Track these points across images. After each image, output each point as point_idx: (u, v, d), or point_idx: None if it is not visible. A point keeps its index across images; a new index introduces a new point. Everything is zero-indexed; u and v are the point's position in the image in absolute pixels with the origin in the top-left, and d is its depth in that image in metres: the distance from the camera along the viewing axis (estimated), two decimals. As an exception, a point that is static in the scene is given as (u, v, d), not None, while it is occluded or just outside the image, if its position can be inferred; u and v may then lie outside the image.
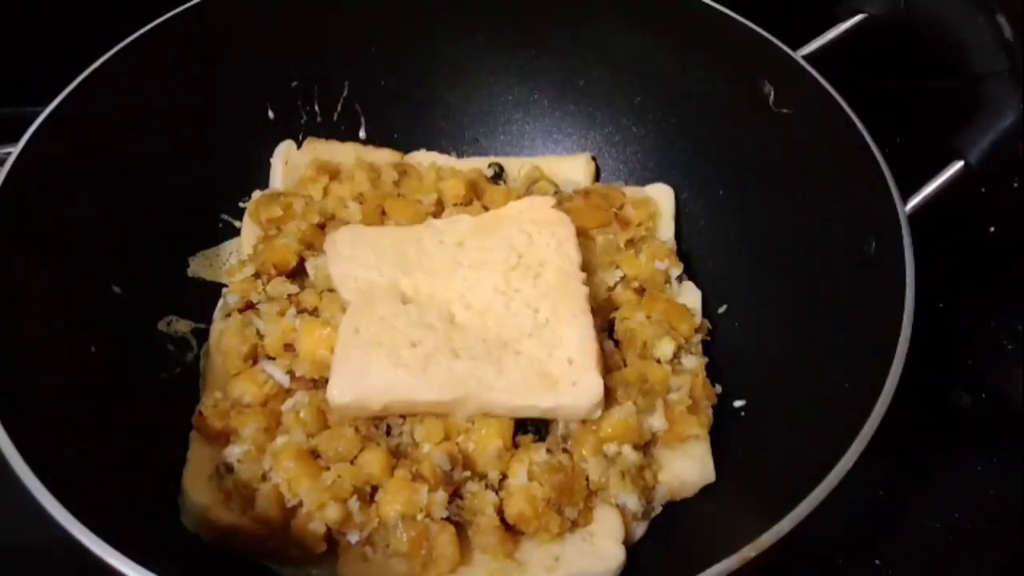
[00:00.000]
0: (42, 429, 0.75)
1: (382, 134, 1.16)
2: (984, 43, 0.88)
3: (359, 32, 1.12)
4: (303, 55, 1.11)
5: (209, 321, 0.99)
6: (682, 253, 1.05)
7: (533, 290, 0.90)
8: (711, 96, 1.06)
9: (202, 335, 0.99)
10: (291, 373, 0.89)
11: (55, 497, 0.68)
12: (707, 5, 1.02)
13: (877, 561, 0.96)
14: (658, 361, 0.92)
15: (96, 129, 0.95)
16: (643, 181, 1.12)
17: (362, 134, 1.16)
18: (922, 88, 1.34)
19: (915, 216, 0.85)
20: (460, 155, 1.17)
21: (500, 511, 0.81)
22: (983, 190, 1.22)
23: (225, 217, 1.09)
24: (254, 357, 0.92)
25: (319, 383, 0.87)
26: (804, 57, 0.97)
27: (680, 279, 1.02)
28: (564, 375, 0.84)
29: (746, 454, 0.89)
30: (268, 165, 1.10)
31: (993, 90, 0.87)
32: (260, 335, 0.92)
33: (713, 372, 0.94)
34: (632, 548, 0.84)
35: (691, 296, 1.01)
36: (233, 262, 1.04)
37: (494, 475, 0.83)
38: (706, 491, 0.89)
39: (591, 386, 0.84)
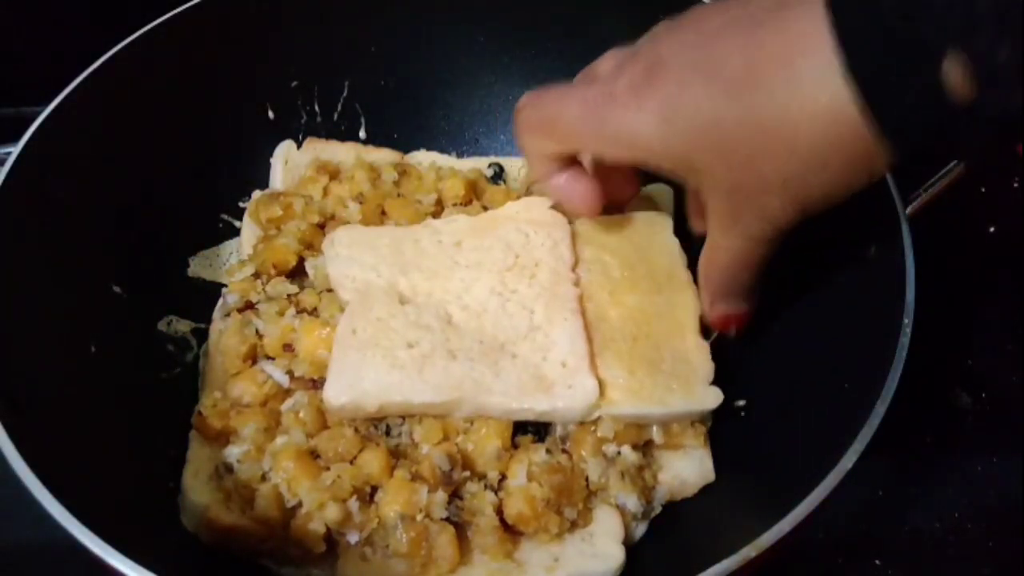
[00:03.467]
0: (42, 429, 0.75)
1: (382, 134, 1.16)
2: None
3: (359, 32, 1.12)
4: (303, 55, 1.11)
5: (209, 321, 0.98)
6: (682, 253, 1.04)
7: (528, 291, 0.90)
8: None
9: (202, 335, 0.99)
10: (290, 373, 0.89)
11: (55, 497, 0.67)
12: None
13: (877, 561, 0.96)
14: (658, 361, 0.92)
15: (96, 129, 0.95)
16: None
17: (362, 134, 1.16)
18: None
19: (915, 216, 0.85)
20: (460, 155, 1.17)
21: (500, 511, 0.81)
22: (983, 190, 1.22)
23: (225, 217, 1.09)
24: (254, 357, 0.92)
25: (318, 383, 0.87)
26: (804, 57, 0.96)
27: (680, 279, 1.02)
28: (559, 378, 0.84)
29: (746, 454, 0.89)
30: (268, 165, 1.10)
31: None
32: (259, 335, 0.92)
33: (713, 372, 0.94)
34: (632, 548, 0.84)
35: (691, 296, 1.01)
36: (233, 262, 1.04)
37: (493, 475, 0.83)
38: (706, 491, 0.88)
39: (586, 388, 0.83)
